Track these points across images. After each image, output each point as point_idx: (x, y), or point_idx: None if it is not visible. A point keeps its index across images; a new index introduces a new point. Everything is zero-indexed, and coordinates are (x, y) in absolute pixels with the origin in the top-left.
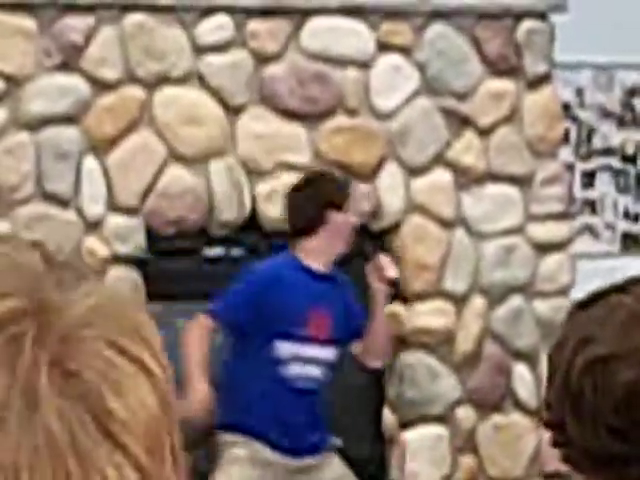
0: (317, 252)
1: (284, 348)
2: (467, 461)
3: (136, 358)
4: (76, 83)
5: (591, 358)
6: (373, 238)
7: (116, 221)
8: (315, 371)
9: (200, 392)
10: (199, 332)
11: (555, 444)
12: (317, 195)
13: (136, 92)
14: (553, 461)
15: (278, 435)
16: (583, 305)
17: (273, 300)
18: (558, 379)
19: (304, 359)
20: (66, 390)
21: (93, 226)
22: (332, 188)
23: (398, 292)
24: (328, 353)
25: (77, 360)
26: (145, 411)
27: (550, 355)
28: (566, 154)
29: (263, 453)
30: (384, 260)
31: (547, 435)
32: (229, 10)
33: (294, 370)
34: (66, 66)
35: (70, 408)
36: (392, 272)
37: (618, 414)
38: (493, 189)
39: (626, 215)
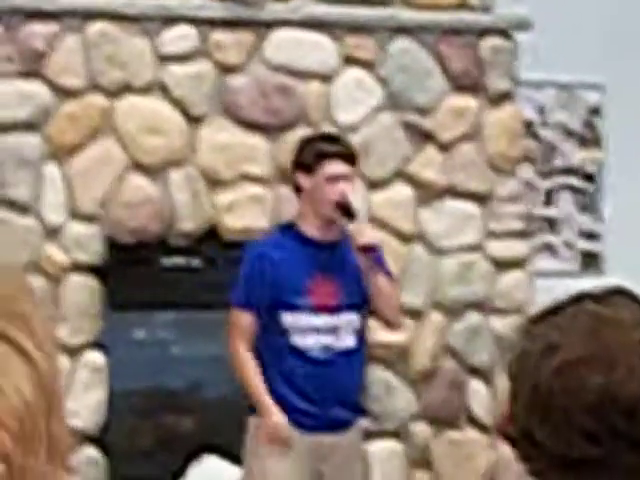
0: (307, 217)
1: (287, 319)
2: (421, 476)
3: (14, 342)
4: (38, 90)
5: (560, 364)
6: None
7: (76, 229)
8: (328, 339)
9: (276, 421)
10: (245, 346)
11: (522, 458)
12: (292, 160)
13: (98, 100)
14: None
15: (302, 411)
16: (538, 319)
17: (274, 272)
18: (525, 388)
19: (315, 329)
20: None
21: (53, 233)
22: (303, 150)
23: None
24: (343, 320)
25: None
26: (18, 396)
27: (511, 367)
28: (527, 172)
29: (291, 434)
30: (356, 227)
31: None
32: (193, 21)
33: (306, 340)
34: (29, 73)
35: None
36: (365, 239)
37: (591, 417)
38: (453, 205)
39: (585, 234)
